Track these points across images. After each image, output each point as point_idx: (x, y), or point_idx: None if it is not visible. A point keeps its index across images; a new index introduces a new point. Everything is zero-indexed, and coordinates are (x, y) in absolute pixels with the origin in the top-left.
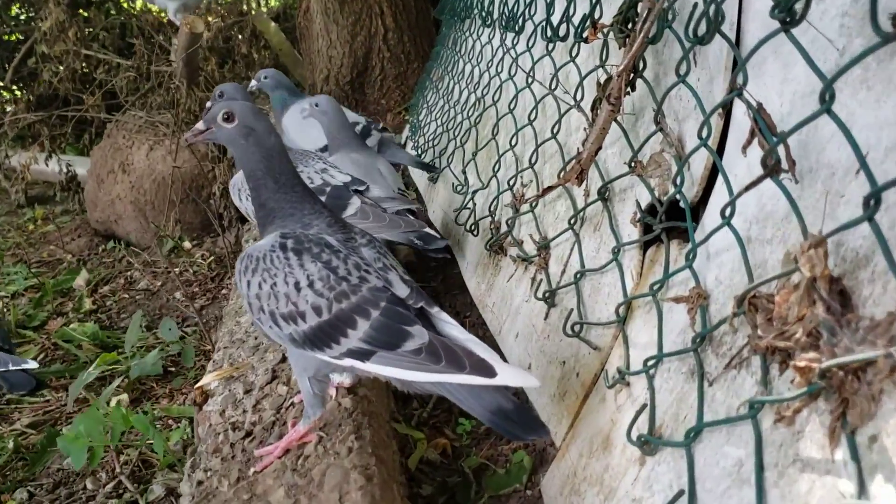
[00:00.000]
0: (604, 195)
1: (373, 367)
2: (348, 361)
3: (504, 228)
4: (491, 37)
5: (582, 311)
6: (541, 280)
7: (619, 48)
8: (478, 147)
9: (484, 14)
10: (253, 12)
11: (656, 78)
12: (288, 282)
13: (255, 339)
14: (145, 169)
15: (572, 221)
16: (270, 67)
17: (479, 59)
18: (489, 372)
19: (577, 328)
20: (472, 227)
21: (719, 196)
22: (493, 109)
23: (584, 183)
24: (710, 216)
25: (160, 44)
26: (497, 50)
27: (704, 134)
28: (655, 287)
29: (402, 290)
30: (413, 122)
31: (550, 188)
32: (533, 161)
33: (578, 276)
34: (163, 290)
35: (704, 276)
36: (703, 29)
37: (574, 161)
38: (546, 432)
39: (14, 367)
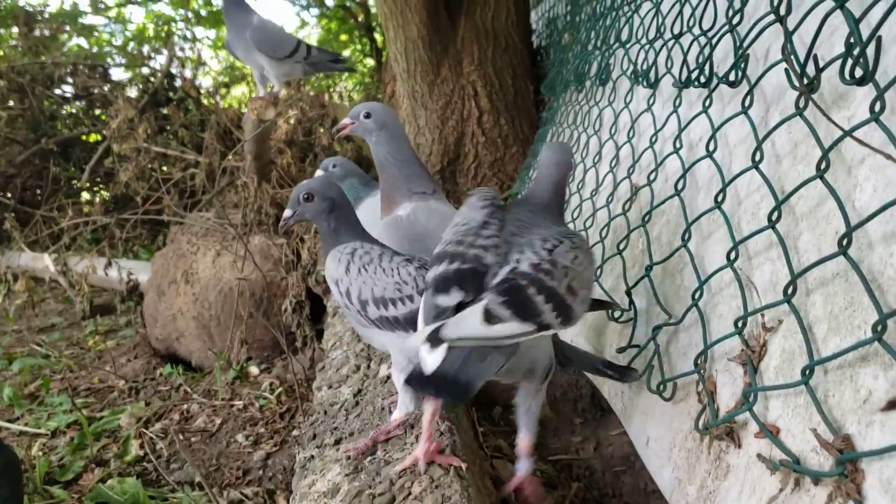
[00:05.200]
0: None
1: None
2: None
3: (730, 400)
4: (651, 101)
5: None
6: None
7: None
8: (652, 258)
9: (640, 73)
10: (335, 103)
11: None
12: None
13: None
14: (211, 279)
15: None
16: (347, 158)
17: (631, 134)
18: None
19: None
20: (661, 386)
21: None
22: (677, 202)
23: None
24: None
25: (238, 138)
26: (668, 117)
27: None
28: None
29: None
30: None
31: None
32: (789, 292)
33: None
34: (223, 429)
35: None
36: None
37: None
38: None
39: None
